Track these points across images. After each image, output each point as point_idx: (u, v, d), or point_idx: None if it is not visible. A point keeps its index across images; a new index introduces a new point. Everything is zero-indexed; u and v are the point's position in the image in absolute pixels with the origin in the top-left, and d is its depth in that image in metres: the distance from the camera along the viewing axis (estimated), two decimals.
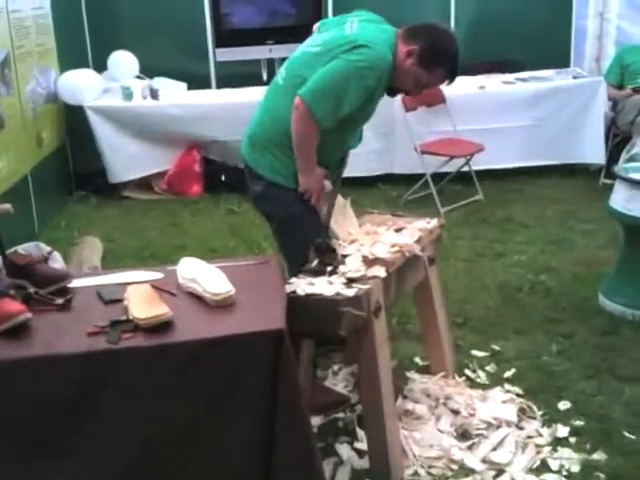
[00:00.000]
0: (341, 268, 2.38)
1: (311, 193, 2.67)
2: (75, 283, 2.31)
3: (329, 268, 2.39)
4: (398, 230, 2.70)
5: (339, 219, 2.66)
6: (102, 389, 1.93)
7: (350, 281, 2.32)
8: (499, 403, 2.78)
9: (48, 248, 3.45)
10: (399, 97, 5.21)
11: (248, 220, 4.89)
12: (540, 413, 2.74)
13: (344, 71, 2.50)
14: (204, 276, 2.20)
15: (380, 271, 2.39)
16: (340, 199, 2.68)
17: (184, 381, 1.95)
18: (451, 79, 2.67)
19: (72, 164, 5.88)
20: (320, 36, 2.70)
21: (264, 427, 2.01)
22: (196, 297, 2.18)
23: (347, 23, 2.67)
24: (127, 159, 5.60)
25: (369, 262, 2.42)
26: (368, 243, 2.54)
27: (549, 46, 6.26)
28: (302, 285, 2.31)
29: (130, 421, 1.96)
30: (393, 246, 2.53)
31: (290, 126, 2.57)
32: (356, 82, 2.50)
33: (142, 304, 2.06)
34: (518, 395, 2.85)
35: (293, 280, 2.36)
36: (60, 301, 2.17)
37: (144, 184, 5.80)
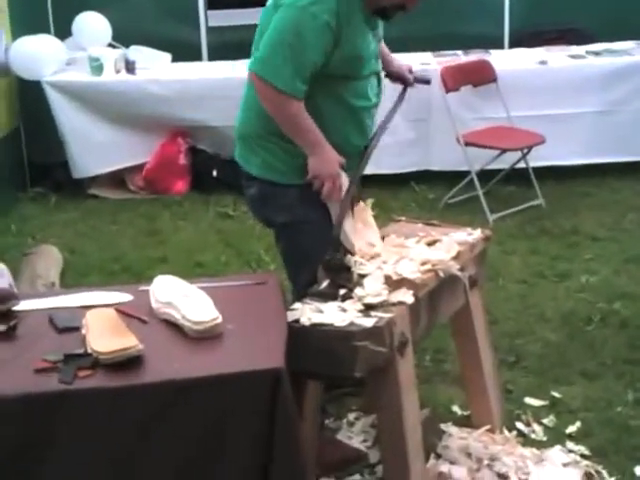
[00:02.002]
0: (357, 291, 2.36)
1: (322, 180, 2.63)
2: (23, 305, 2.31)
3: (342, 291, 2.38)
4: (431, 243, 2.69)
5: (357, 228, 2.65)
6: (52, 440, 1.93)
7: (368, 308, 2.31)
8: (559, 466, 2.75)
9: None
10: (438, 74, 5.22)
11: (245, 227, 4.90)
12: None
13: (288, 20, 2.51)
14: (184, 299, 2.19)
15: (407, 296, 2.37)
16: (359, 204, 2.67)
17: (155, 432, 1.94)
18: None
19: (26, 153, 5.93)
20: None
21: None
22: (173, 326, 2.18)
23: None
24: (95, 148, 5.63)
25: (393, 284, 2.41)
26: (392, 260, 2.53)
27: (628, 11, 6.24)
28: (307, 312, 2.29)
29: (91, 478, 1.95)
30: (424, 264, 2.51)
31: None
32: (307, 26, 2.49)
33: (104, 334, 2.06)
34: (583, 456, 2.82)
35: (297, 306, 2.35)
36: (2, 328, 2.17)
37: (116, 180, 5.83)
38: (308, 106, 2.58)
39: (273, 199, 2.72)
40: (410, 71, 3.04)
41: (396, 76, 3.02)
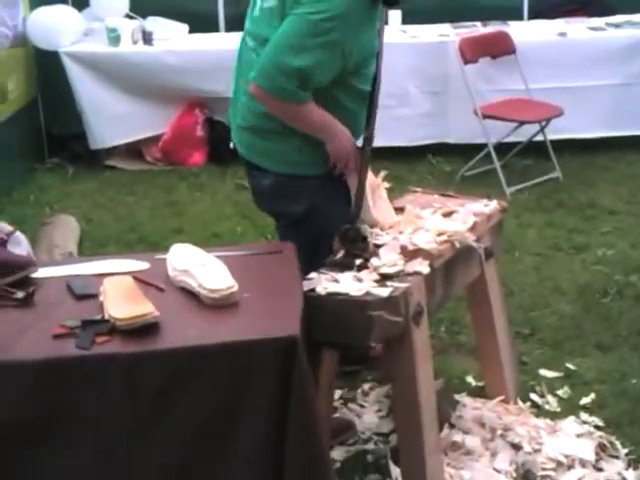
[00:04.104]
0: (373, 261, 2.37)
1: (345, 162, 2.67)
2: (41, 272, 2.33)
3: (358, 261, 2.38)
4: (447, 214, 2.69)
5: (376, 201, 2.65)
6: (70, 405, 1.95)
7: (384, 278, 2.31)
8: (572, 437, 2.76)
9: (9, 228, 3.47)
10: (456, 45, 5.19)
11: None
12: (625, 451, 2.72)
13: (298, 32, 2.45)
14: (200, 268, 2.20)
15: (422, 266, 2.38)
16: (372, 177, 2.67)
17: (171, 399, 1.96)
18: None
19: (44, 124, 5.93)
20: None
21: (271, 459, 2.02)
22: (189, 294, 2.19)
23: None
24: (112, 119, 5.63)
25: (409, 254, 2.41)
26: (408, 230, 2.53)
27: None
28: (323, 282, 2.30)
29: (103, 448, 1.97)
30: (440, 234, 2.51)
31: None
32: (316, 41, 2.44)
33: (121, 301, 2.07)
34: (597, 427, 2.84)
35: (313, 275, 2.36)
36: (20, 294, 2.18)
37: (133, 151, 5.84)
38: (322, 96, 2.57)
39: (290, 191, 2.71)
40: None
41: None
